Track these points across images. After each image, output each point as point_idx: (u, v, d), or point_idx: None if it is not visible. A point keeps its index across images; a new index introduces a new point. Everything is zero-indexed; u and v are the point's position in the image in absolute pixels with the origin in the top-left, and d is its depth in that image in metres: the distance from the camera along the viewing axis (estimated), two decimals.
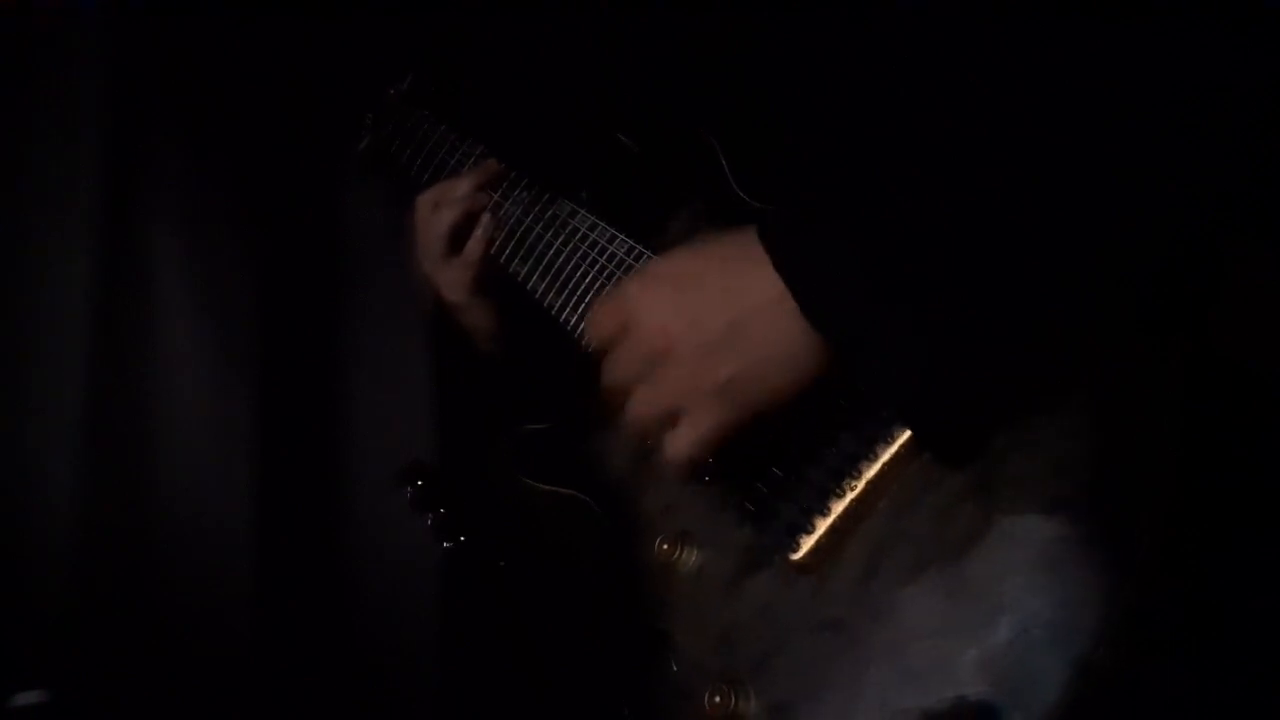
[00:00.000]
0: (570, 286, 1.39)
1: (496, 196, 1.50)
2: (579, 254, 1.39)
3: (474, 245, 1.48)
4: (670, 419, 1.13)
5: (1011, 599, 0.99)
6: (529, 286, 1.44)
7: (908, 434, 1.09)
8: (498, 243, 1.48)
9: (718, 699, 1.10)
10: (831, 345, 1.08)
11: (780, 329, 1.09)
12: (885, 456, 1.09)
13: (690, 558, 1.21)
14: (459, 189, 1.50)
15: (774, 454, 1.16)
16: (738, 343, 1.09)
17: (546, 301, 1.42)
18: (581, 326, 1.36)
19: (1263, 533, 1.11)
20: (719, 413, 1.11)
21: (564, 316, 1.39)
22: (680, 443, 1.13)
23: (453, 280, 1.50)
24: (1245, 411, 1.15)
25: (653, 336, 1.13)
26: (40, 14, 1.69)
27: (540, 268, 1.43)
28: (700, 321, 1.11)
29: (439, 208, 1.51)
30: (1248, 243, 1.22)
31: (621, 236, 1.35)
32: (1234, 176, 1.08)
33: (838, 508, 1.10)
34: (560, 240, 1.41)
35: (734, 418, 1.12)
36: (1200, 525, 1.05)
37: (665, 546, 1.22)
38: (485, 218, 1.48)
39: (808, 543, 1.11)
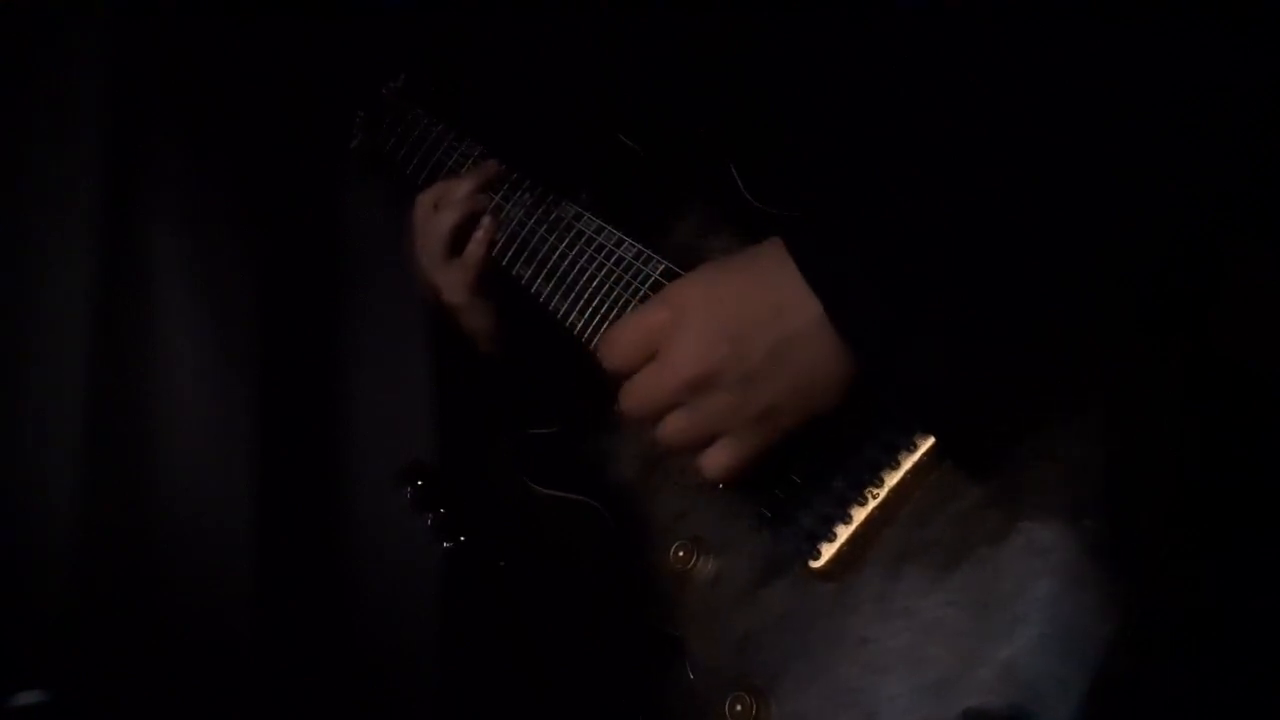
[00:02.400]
0: (576, 290, 1.38)
1: (498, 198, 1.49)
2: (584, 257, 1.38)
3: (475, 247, 1.46)
4: (707, 440, 1.14)
5: (1032, 607, 0.99)
6: (532, 290, 1.43)
7: (931, 441, 1.09)
8: (499, 245, 1.47)
9: (739, 707, 1.11)
10: (861, 358, 1.08)
11: (822, 353, 1.10)
12: (908, 464, 1.10)
13: (706, 565, 1.20)
14: (459, 189, 1.49)
15: (793, 461, 1.16)
16: (779, 369, 1.10)
17: (551, 305, 1.41)
18: (588, 333, 1.35)
19: (1263, 533, 1.11)
20: (760, 436, 1.13)
21: (569, 320, 1.38)
22: (719, 462, 1.14)
23: (453, 282, 1.49)
24: (1245, 411, 1.15)
25: (692, 363, 1.13)
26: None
27: (544, 271, 1.42)
28: (741, 349, 1.11)
29: (439, 208, 1.49)
30: (1248, 243, 1.22)
31: (629, 241, 1.35)
32: (1234, 176, 1.09)
33: (860, 515, 1.10)
34: (565, 244, 1.41)
35: (773, 439, 1.13)
36: (1200, 525, 1.05)
37: (681, 553, 1.22)
38: (486, 219, 1.47)
39: (829, 550, 1.11)
